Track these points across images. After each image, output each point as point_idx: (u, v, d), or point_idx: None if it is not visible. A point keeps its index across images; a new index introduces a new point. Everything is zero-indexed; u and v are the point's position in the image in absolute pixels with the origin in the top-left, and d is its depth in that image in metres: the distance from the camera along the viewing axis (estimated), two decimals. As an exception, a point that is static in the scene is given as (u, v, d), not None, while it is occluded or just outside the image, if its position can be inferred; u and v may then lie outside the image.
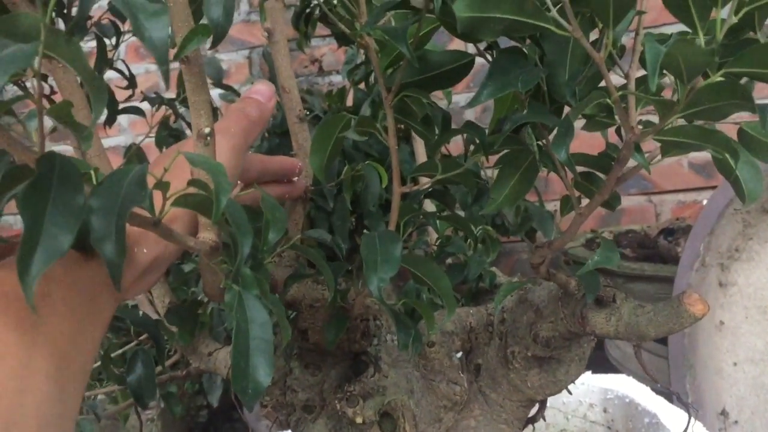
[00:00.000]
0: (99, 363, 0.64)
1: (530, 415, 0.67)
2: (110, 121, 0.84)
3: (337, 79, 1.89)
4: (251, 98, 0.51)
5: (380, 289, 0.42)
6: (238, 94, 1.36)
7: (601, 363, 1.18)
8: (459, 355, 0.63)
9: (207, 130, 0.41)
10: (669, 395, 0.95)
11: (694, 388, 1.09)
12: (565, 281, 0.58)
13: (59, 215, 0.28)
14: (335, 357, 0.61)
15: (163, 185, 0.35)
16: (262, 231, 0.41)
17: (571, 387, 0.95)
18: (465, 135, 0.49)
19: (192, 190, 0.36)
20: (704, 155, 1.66)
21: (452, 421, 0.61)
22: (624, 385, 0.93)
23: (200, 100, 0.41)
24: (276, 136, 1.27)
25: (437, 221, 0.60)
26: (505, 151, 0.45)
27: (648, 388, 0.92)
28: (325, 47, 1.90)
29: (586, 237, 1.50)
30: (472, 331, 0.64)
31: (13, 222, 2.13)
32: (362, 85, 1.07)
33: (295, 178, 0.60)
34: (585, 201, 0.46)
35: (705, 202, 1.36)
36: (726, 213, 1.14)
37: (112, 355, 0.63)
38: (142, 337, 0.62)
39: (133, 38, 0.41)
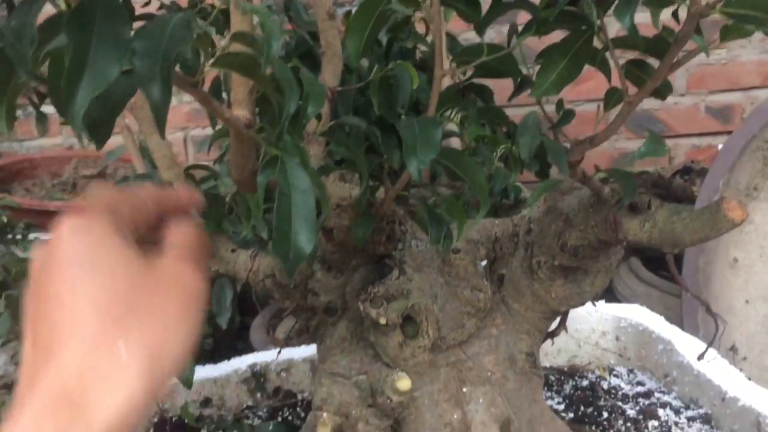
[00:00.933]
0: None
1: (551, 329, 0.67)
2: (127, 26, 0.82)
3: (351, 11, 1.85)
4: None
5: (420, 171, 0.41)
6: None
7: (609, 300, 1.18)
8: (483, 263, 0.63)
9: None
10: (681, 325, 0.95)
11: (705, 324, 1.09)
12: (600, 186, 0.57)
13: (104, 45, 0.27)
14: (359, 260, 0.60)
15: (204, 40, 0.34)
16: (301, 106, 0.40)
17: (584, 315, 0.96)
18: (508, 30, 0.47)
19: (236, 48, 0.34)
20: (722, 99, 1.63)
21: (474, 328, 0.61)
22: (638, 313, 0.93)
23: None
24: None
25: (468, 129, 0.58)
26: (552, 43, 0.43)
27: (662, 318, 0.91)
28: (339, -23, 1.85)
29: (599, 176, 1.48)
30: (497, 241, 0.63)
31: (18, 148, 2.10)
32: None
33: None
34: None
35: (720, 146, 1.34)
36: (747, 150, 1.12)
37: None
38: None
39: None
